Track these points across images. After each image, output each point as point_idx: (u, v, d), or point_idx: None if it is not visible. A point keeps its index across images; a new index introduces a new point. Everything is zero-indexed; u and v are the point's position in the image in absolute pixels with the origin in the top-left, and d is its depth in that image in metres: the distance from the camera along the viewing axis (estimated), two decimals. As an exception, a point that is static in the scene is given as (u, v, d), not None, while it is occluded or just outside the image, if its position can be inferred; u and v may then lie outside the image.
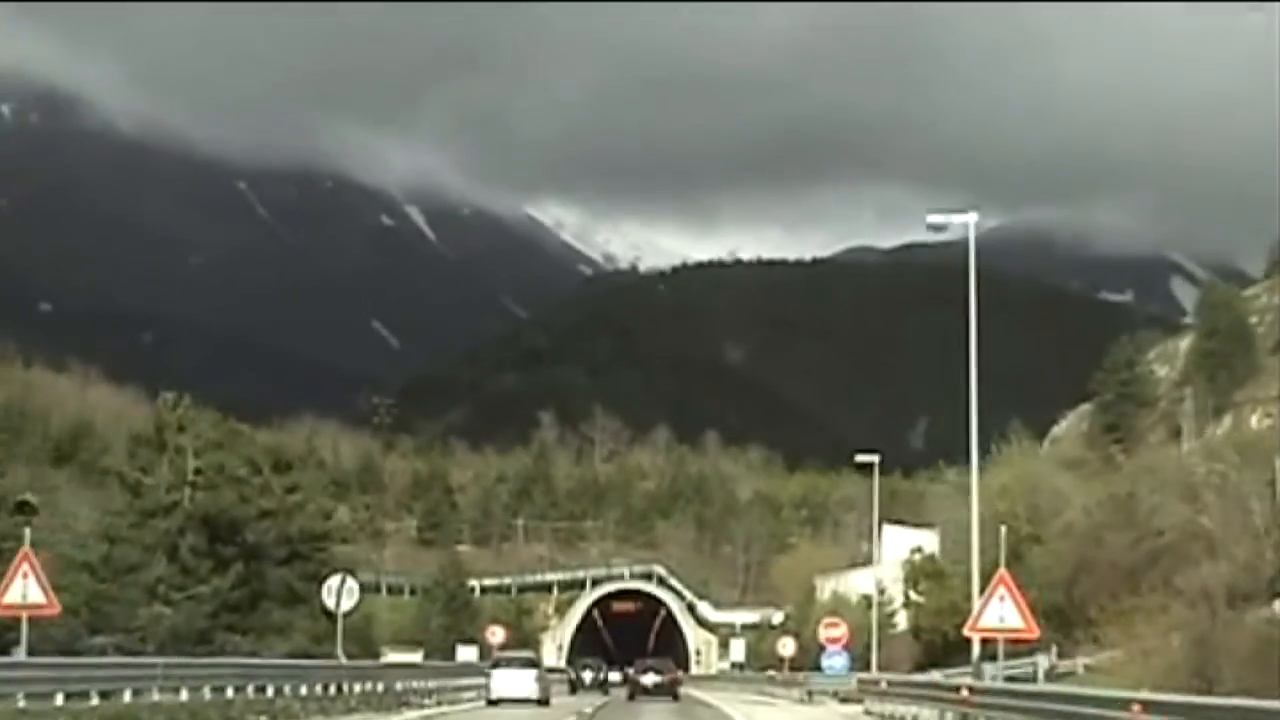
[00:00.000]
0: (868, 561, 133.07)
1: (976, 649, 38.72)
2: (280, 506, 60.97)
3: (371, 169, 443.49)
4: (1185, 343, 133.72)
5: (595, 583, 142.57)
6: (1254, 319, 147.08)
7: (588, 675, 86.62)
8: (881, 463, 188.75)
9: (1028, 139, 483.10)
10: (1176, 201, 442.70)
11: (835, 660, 66.20)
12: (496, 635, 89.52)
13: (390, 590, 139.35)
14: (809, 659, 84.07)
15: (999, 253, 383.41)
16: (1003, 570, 36.24)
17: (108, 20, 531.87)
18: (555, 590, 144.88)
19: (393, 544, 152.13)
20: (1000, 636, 36.03)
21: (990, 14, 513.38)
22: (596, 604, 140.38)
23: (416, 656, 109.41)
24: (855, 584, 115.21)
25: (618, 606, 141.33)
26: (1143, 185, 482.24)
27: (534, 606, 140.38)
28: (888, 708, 47.04)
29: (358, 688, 51.80)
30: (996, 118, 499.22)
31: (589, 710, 52.21)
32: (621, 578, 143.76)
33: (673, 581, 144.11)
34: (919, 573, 70.75)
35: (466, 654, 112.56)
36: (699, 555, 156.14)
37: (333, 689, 49.23)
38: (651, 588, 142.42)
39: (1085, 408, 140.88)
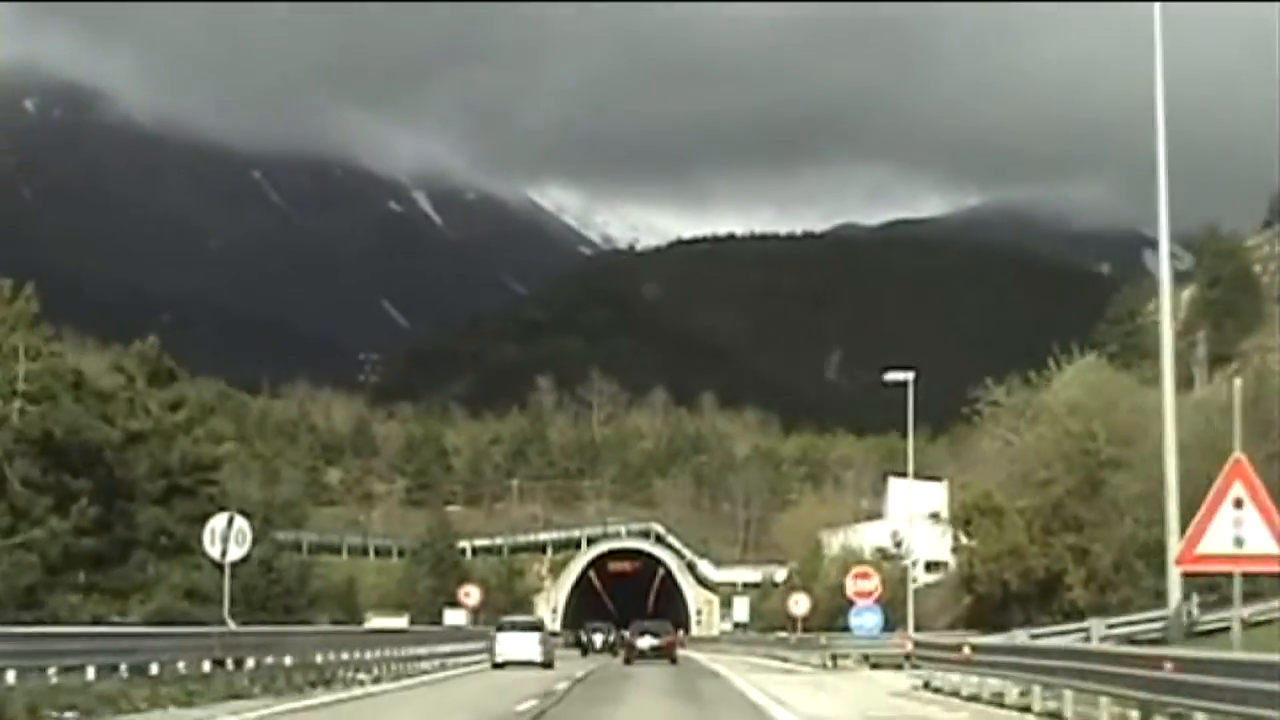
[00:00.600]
0: (875, 515, 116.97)
1: (1175, 593, 21.79)
2: (157, 428, 43.60)
3: (380, 157, 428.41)
4: (1187, 293, 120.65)
5: (591, 542, 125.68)
6: (1257, 268, 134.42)
7: (598, 638, 79.26)
8: (874, 426, 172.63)
9: (1007, 121, 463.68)
10: (1148, 179, 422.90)
11: (866, 618, 49.13)
12: (471, 597, 72.97)
13: (378, 553, 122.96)
14: (822, 618, 67.95)
15: (981, 228, 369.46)
16: (1239, 455, 19.35)
17: (125, 18, 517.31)
18: (549, 550, 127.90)
19: (382, 505, 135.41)
20: (1235, 568, 19.22)
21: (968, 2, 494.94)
22: (592, 564, 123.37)
23: (402, 621, 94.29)
24: (868, 538, 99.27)
25: (614, 566, 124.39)
26: (1116, 164, 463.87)
27: (527, 567, 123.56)
28: (971, 680, 30.53)
29: (251, 662, 35.17)
30: (977, 100, 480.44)
31: (562, 686, 36.11)
32: (618, 536, 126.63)
33: (671, 540, 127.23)
34: (970, 511, 53.76)
35: (454, 617, 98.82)
36: (698, 513, 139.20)
37: (208, 665, 32.84)
38: (649, 546, 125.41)
39: (1086, 360, 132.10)
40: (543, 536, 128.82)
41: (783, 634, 70.81)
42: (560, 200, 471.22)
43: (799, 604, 68.04)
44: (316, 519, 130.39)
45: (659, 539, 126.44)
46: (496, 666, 48.22)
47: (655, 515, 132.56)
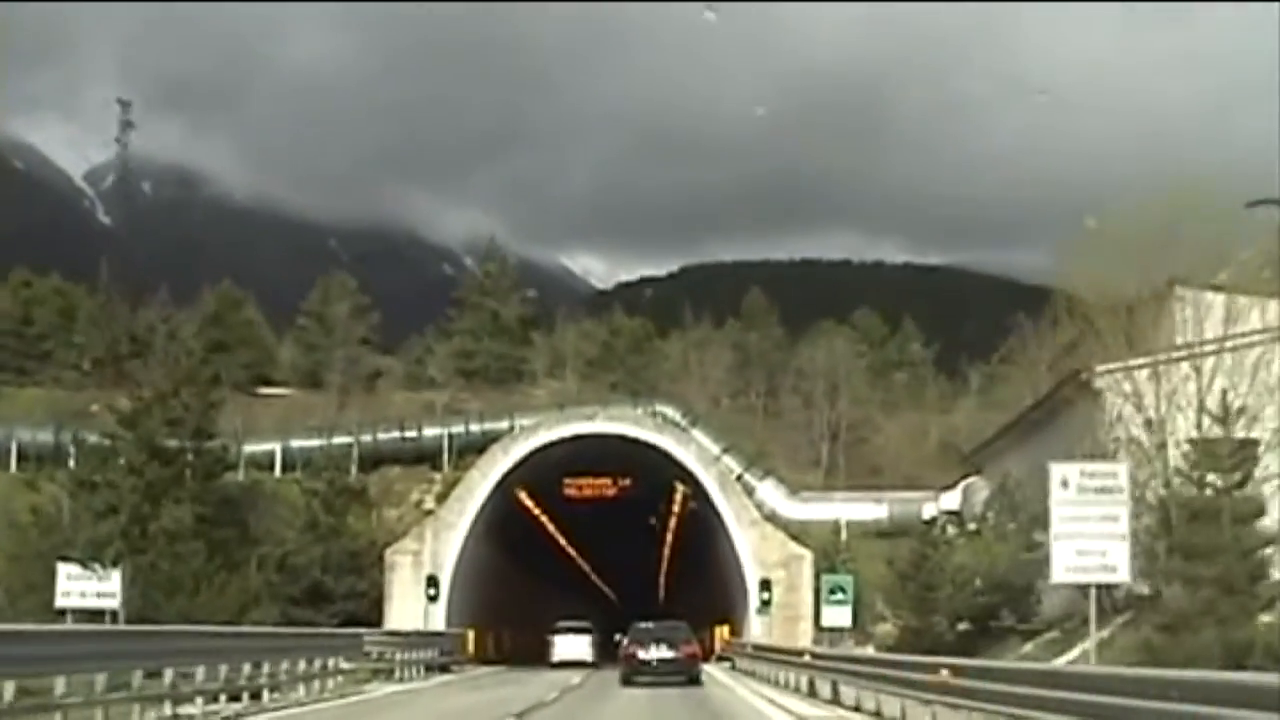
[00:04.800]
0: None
1: None
2: None
3: (435, 228, 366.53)
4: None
5: (531, 432, 39.00)
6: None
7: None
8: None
9: (958, 192, 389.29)
10: (1073, 242, 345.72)
11: None
12: None
13: (23, 458, 37.74)
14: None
15: (940, 281, 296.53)
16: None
17: (225, 113, 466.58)
18: (448, 457, 41.28)
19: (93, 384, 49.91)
20: None
21: (922, 87, 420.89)
22: (524, 470, 36.73)
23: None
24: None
25: (576, 485, 38.50)
26: (1050, 231, 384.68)
27: (398, 492, 38.14)
28: None
29: None
30: (933, 175, 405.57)
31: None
32: (591, 418, 39.79)
33: (698, 435, 40.78)
34: None
35: (73, 596, 7.39)
36: (748, 416, 52.91)
37: None
38: (656, 437, 38.62)
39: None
40: (433, 431, 42.07)
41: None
42: (585, 264, 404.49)
43: None
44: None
45: (675, 425, 39.97)
46: (553, 666, 34.36)
47: (672, 404, 46.37)
